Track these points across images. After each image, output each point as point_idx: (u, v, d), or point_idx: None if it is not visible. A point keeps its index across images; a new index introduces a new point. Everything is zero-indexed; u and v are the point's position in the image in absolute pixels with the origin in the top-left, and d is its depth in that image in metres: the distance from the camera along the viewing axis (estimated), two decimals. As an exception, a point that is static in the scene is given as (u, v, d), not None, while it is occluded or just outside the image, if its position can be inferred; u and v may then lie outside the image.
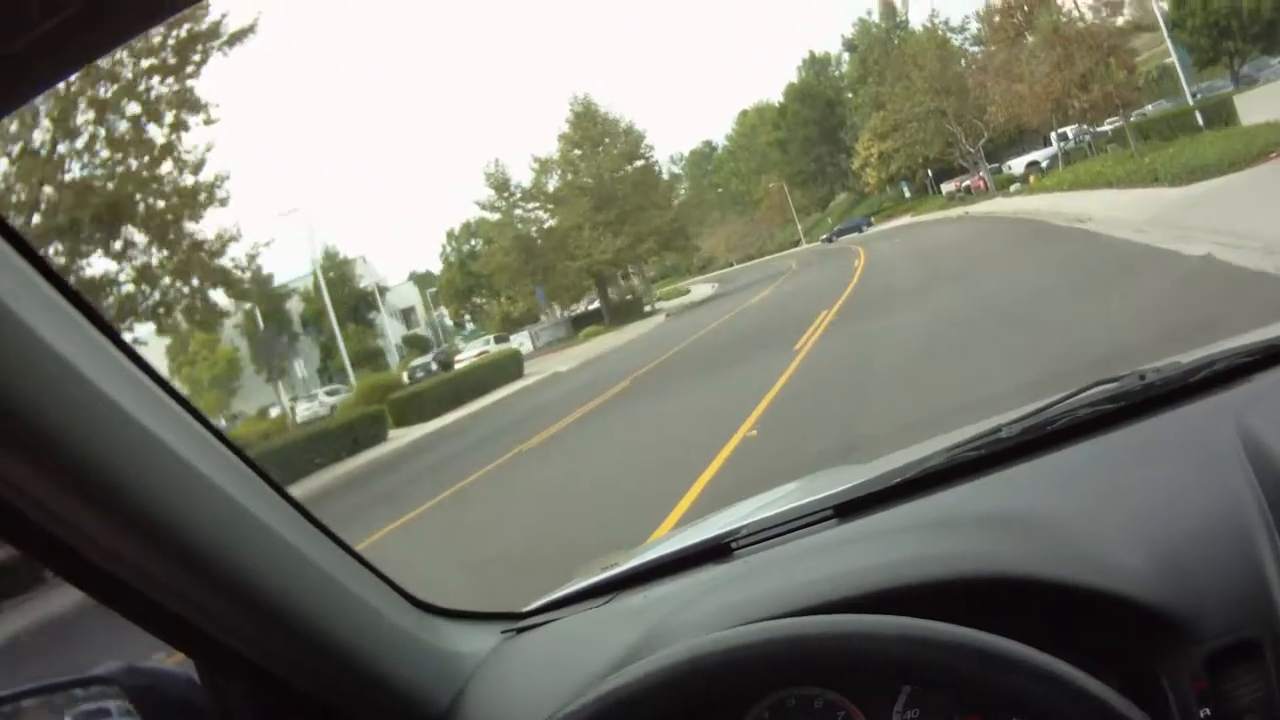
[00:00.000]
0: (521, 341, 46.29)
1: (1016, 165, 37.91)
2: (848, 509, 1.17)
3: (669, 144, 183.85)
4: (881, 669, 0.76)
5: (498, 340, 46.48)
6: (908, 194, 61.59)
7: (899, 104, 43.80)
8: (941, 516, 1.06)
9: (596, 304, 50.73)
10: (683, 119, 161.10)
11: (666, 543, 1.39)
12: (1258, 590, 0.80)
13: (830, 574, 1.00)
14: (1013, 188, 34.47)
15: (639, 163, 51.10)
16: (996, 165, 41.19)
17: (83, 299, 0.74)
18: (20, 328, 0.66)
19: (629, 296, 53.01)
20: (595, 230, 48.08)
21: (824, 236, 65.52)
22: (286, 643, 0.88)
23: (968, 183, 44.63)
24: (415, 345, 56.89)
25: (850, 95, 64.50)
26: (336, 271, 56.31)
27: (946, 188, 51.07)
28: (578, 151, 49.91)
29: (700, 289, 59.15)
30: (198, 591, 0.81)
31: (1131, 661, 0.85)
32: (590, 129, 50.11)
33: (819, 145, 78.39)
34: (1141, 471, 1.00)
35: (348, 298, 54.55)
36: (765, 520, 1.21)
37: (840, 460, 3.18)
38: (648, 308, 51.26)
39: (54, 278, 0.72)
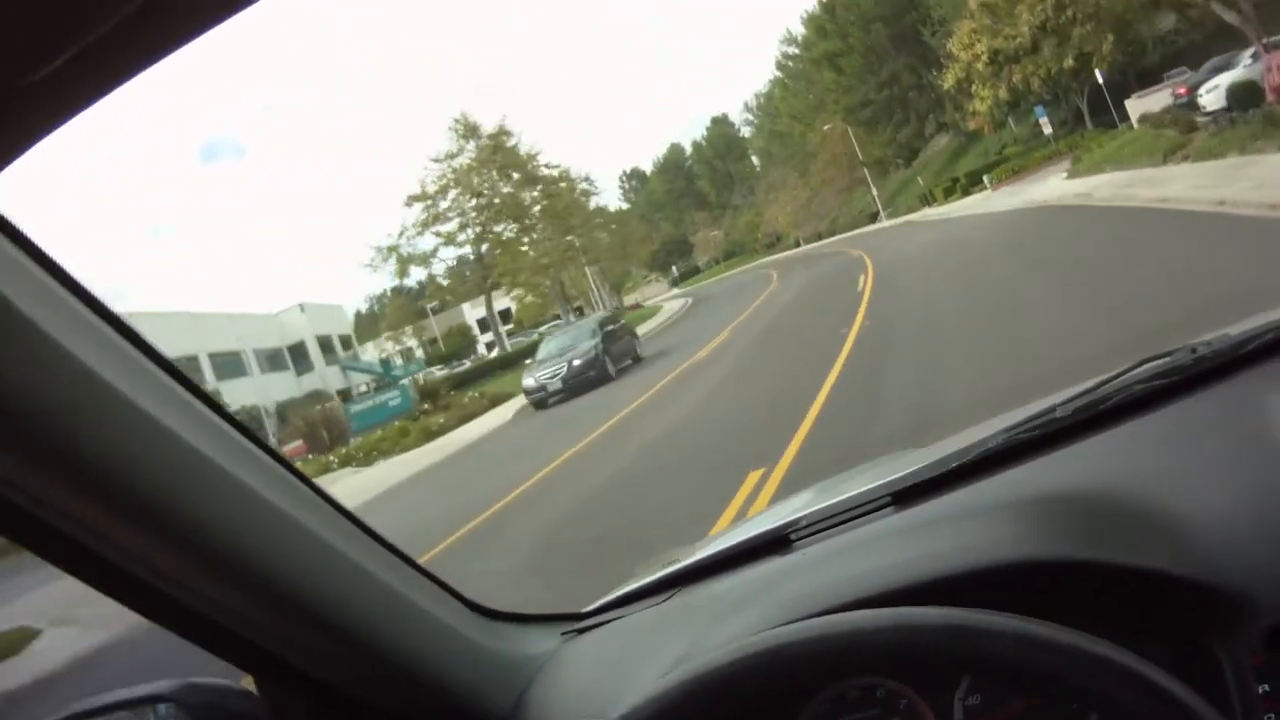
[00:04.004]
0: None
1: None
2: (905, 496, 1.16)
3: (743, 91, 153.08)
4: (937, 661, 0.77)
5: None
6: (1048, 129, 34.13)
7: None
8: (999, 500, 1.05)
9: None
10: (756, 54, 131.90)
11: (727, 536, 1.38)
12: None
13: (889, 563, 0.99)
14: None
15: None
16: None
17: (135, 331, 0.74)
18: (86, 374, 0.68)
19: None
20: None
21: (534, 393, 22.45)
22: (346, 655, 0.90)
23: (1240, 73, 16.81)
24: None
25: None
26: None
27: (1140, 105, 23.41)
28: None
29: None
30: (255, 608, 0.83)
31: (1188, 638, 0.84)
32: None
33: (892, 57, 50.03)
34: (1197, 446, 0.99)
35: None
36: (823, 510, 1.22)
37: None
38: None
39: (83, 293, 0.71)
